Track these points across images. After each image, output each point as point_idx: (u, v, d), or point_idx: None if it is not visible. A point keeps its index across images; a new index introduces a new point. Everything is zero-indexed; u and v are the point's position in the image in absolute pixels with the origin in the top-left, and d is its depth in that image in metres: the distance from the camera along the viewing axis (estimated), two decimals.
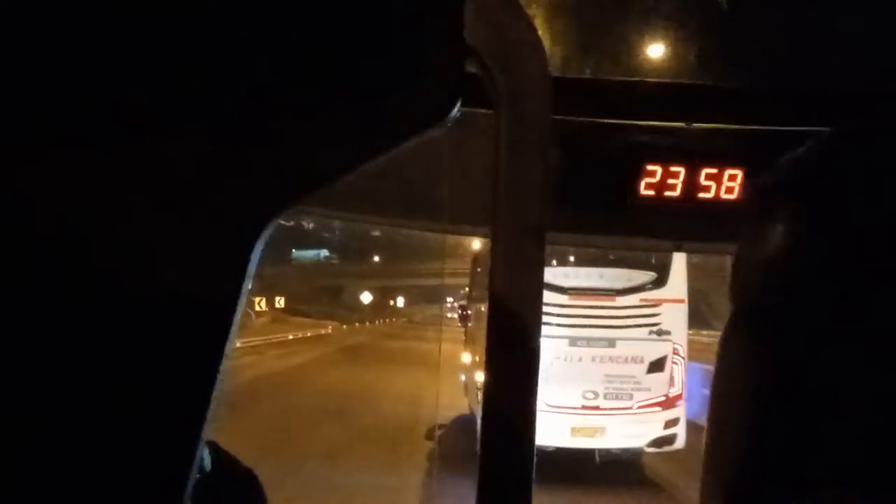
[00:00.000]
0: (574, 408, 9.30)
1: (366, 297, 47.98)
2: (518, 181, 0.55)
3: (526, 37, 0.56)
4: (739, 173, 1.60)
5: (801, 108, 1.53)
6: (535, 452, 0.57)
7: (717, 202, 1.61)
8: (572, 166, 1.48)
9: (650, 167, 1.61)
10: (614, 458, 9.49)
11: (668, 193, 1.61)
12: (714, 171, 1.61)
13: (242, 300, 0.52)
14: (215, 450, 0.64)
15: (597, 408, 9.34)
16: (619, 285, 9.44)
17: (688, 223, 1.70)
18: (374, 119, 0.55)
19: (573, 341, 9.44)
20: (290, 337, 33.53)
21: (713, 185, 1.61)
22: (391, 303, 63.68)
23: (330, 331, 38.56)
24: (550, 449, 9.12)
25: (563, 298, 9.45)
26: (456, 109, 0.56)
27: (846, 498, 0.64)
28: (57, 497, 0.50)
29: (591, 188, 1.62)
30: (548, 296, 9.50)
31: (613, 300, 9.43)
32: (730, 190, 1.61)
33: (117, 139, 0.51)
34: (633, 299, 9.42)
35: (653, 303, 9.35)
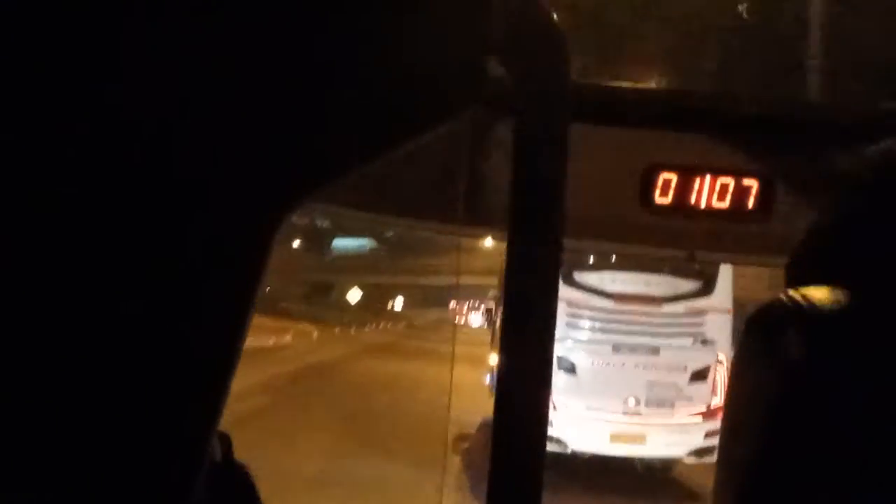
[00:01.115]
0: (615, 414, 9.25)
1: (353, 296, 37.95)
2: (536, 184, 0.55)
3: (550, 39, 0.55)
4: (755, 183, 1.61)
5: (816, 120, 1.55)
6: (545, 456, 0.56)
7: (732, 211, 1.62)
8: (589, 173, 1.48)
9: (665, 175, 1.62)
10: (648, 464, 9.43)
11: (682, 202, 1.62)
12: (729, 180, 1.61)
13: (256, 296, 0.51)
14: (226, 441, 0.64)
15: (638, 415, 9.28)
16: (664, 293, 9.36)
17: (702, 232, 1.70)
18: (390, 112, 0.54)
19: (616, 347, 9.39)
20: None
21: (729, 194, 1.61)
22: (389, 305, 54.65)
23: (289, 339, 24.59)
24: (586, 455, 9.11)
25: (608, 303, 9.41)
26: (474, 107, 0.55)
27: None
28: (66, 482, 0.49)
29: (606, 195, 1.64)
30: (593, 300, 9.56)
31: (659, 307, 9.36)
32: (745, 200, 1.61)
33: (121, 121, 0.50)
34: (678, 307, 9.34)
35: (698, 311, 9.26)
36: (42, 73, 0.48)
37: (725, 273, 9.15)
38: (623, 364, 9.34)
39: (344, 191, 0.56)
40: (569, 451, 9.21)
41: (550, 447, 9.13)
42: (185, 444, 0.50)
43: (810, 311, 0.69)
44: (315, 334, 29.19)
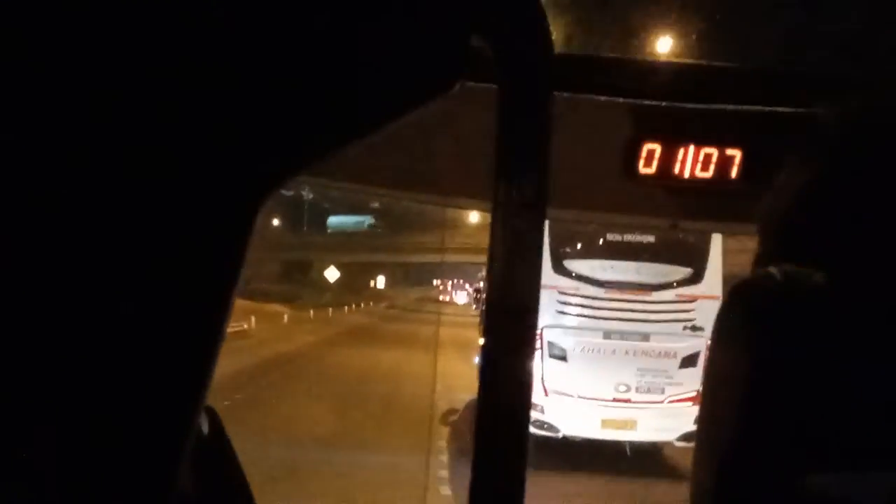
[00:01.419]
0: (606, 400, 9.34)
1: (331, 275, 33.88)
2: (518, 156, 0.55)
3: (530, 11, 0.56)
4: (738, 153, 1.63)
5: (799, 89, 1.55)
6: (528, 435, 0.56)
7: (715, 181, 1.63)
8: (572, 143, 1.48)
9: (649, 146, 1.64)
10: (637, 448, 9.52)
11: (666, 172, 1.64)
12: (713, 150, 1.63)
13: (242, 269, 0.52)
14: (212, 416, 0.63)
15: (628, 401, 9.36)
16: (655, 280, 9.44)
17: (686, 202, 1.73)
18: (376, 89, 0.54)
19: (607, 334, 9.46)
20: None
21: (712, 164, 1.64)
22: (371, 283, 50.82)
23: (249, 327, 20.14)
24: (578, 439, 9.20)
25: (599, 291, 9.49)
26: (458, 82, 0.55)
27: (833, 483, 0.65)
28: (56, 457, 0.50)
29: (590, 165, 1.66)
30: (584, 288, 9.61)
31: (649, 295, 9.44)
32: (728, 170, 1.63)
33: (111, 107, 0.50)
34: (668, 294, 9.42)
35: (688, 298, 9.34)
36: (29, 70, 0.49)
37: (715, 261, 9.23)
38: (613, 351, 9.42)
39: (329, 164, 0.57)
40: (560, 435, 9.31)
41: (542, 432, 9.22)
42: (172, 422, 0.51)
43: (785, 289, 0.70)
44: (285, 317, 26.41)
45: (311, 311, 30.41)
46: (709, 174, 1.64)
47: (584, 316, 9.53)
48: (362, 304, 40.63)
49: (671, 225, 1.93)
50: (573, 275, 9.51)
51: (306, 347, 19.05)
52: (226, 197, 0.51)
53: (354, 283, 44.53)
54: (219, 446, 0.63)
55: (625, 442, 9.39)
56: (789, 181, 0.80)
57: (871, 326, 0.67)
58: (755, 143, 1.62)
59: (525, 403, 0.56)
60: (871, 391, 0.65)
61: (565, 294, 9.48)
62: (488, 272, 0.56)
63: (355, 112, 0.54)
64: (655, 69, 1.71)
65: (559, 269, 9.47)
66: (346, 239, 38.34)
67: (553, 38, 0.57)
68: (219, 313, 0.51)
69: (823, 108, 0.85)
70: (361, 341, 21.03)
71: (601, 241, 9.61)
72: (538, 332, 8.19)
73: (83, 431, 0.50)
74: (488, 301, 0.56)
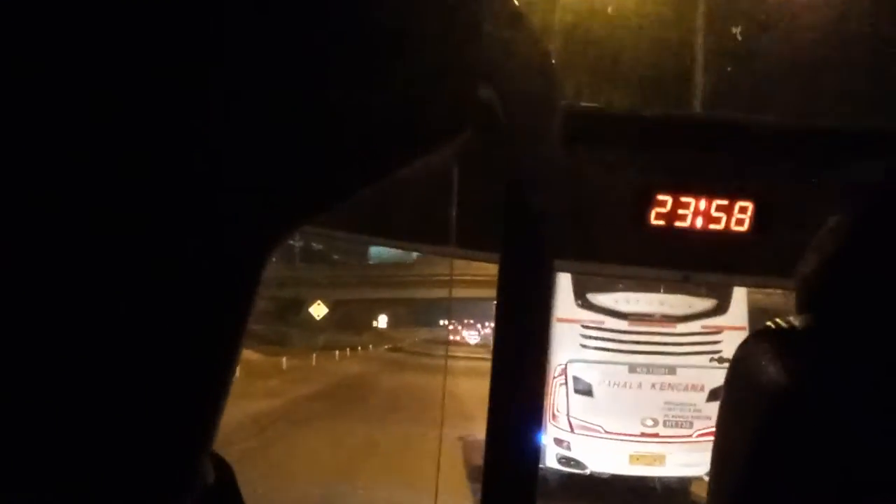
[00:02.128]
0: (633, 435, 9.21)
1: (318, 311, 29.88)
2: (526, 207, 0.56)
3: (540, 64, 0.56)
4: (750, 205, 1.61)
5: (814, 144, 1.55)
6: (537, 477, 0.56)
7: (727, 233, 1.62)
8: (583, 194, 1.50)
9: (661, 197, 1.62)
10: (665, 483, 9.38)
11: (678, 223, 1.62)
12: (725, 202, 1.62)
13: (248, 320, 0.52)
14: (219, 462, 0.62)
15: (656, 435, 9.23)
16: (680, 312, 9.34)
17: (697, 253, 1.70)
18: (381, 138, 0.54)
19: (633, 368, 9.36)
20: None
21: (724, 216, 1.62)
22: (373, 323, 46.41)
23: None
24: (606, 476, 9.06)
25: (623, 324, 9.40)
26: (465, 132, 0.55)
27: None
28: (60, 490, 0.48)
29: (601, 216, 1.64)
30: (608, 321, 9.55)
31: (674, 327, 9.34)
32: (740, 221, 1.62)
33: (120, 143, 0.50)
34: (694, 326, 9.31)
35: (714, 330, 9.23)
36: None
37: (740, 291, 9.13)
38: (640, 384, 9.31)
39: (335, 213, 0.55)
40: (587, 472, 9.18)
41: (569, 469, 9.11)
42: (178, 463, 0.51)
43: (798, 340, 0.69)
44: (242, 369, 15.03)
45: (284, 360, 22.25)
46: (720, 226, 1.62)
47: (609, 349, 9.44)
48: (359, 348, 34.35)
49: (683, 277, 1.91)
50: (596, 308, 9.44)
51: (245, 425, 10.48)
52: (231, 249, 0.50)
53: (353, 322, 40.72)
54: (227, 495, 0.62)
55: (653, 478, 9.25)
56: (829, 240, 0.78)
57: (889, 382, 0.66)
58: (767, 195, 1.61)
59: (534, 462, 0.56)
60: (883, 440, 0.64)
61: (589, 327, 9.40)
62: (496, 324, 0.56)
63: (360, 161, 0.53)
64: (666, 121, 1.70)
65: (582, 302, 9.40)
66: (345, 272, 35.73)
67: (563, 89, 0.54)
68: (225, 363, 0.51)
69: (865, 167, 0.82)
70: (344, 408, 13.62)
71: (605, 275, 9.54)
72: (562, 366, 8.13)
73: (87, 482, 0.49)
74: (495, 354, 0.56)
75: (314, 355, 25.26)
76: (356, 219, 1.66)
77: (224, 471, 0.61)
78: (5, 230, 0.48)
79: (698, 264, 1.76)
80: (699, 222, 1.62)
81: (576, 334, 9.38)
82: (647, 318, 9.38)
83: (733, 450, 0.73)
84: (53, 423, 0.48)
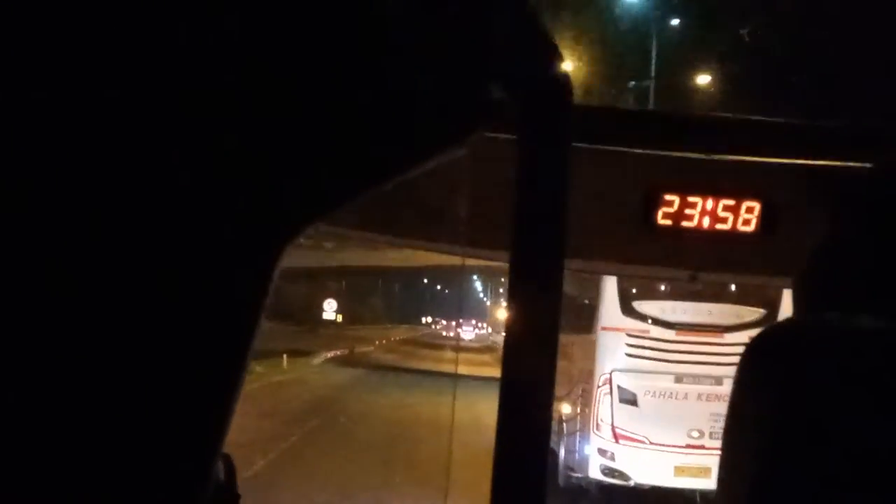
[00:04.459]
0: (678, 447, 9.01)
1: None
2: (537, 206, 0.55)
3: (551, 63, 0.56)
4: (757, 205, 1.62)
5: (818, 142, 1.55)
6: (546, 480, 0.54)
7: (734, 233, 1.63)
8: (591, 194, 1.50)
9: (668, 196, 1.63)
10: (707, 496, 9.12)
11: (685, 223, 1.63)
12: (732, 202, 1.63)
13: (259, 319, 0.52)
14: (228, 463, 0.64)
15: (702, 447, 9.00)
16: (727, 321, 9.12)
17: (704, 252, 1.71)
18: (394, 137, 0.54)
19: (679, 378, 9.18)
20: None
21: (730, 215, 1.63)
22: (321, 311, 31.02)
23: None
24: (646, 488, 8.89)
25: (669, 334, 9.23)
26: (477, 131, 0.55)
27: None
28: (73, 497, 0.50)
29: (609, 216, 1.66)
30: (654, 331, 9.36)
31: (721, 337, 9.12)
32: (747, 221, 1.62)
33: (133, 144, 0.50)
34: (741, 336, 9.05)
35: None
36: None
37: (788, 300, 8.84)
38: (686, 395, 9.12)
39: (345, 213, 0.57)
40: (631, 483, 9.02)
41: (612, 480, 8.97)
42: (190, 465, 0.51)
43: (809, 338, 0.70)
44: None
45: None
46: (727, 226, 1.63)
47: (655, 359, 9.27)
48: (283, 360, 19.13)
49: (690, 276, 1.91)
50: (642, 317, 9.29)
51: None
52: (245, 246, 0.52)
53: (290, 308, 25.87)
54: (233, 492, 0.64)
55: (695, 490, 9.02)
56: (830, 236, 0.80)
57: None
58: (774, 194, 1.62)
59: (543, 455, 0.55)
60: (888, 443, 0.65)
61: (634, 336, 9.26)
62: (507, 324, 0.55)
63: (373, 159, 0.54)
64: (674, 120, 1.71)
65: (628, 310, 9.27)
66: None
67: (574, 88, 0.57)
68: (236, 364, 0.52)
69: (867, 163, 0.84)
70: None
71: (671, 282, 9.37)
72: (607, 375, 7.99)
73: (100, 482, 0.50)
74: (505, 353, 0.55)
75: None
76: (368, 218, 1.68)
77: (229, 467, 0.62)
78: (34, 240, 0.50)
79: (705, 264, 1.77)
80: (706, 222, 1.63)
81: (621, 343, 9.25)
82: (694, 327, 9.18)
83: (744, 450, 0.73)
84: (65, 428, 0.50)
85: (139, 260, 0.50)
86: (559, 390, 10.51)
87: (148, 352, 0.50)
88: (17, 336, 0.49)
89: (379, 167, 0.54)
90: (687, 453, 9.00)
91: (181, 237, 0.51)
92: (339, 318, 32.57)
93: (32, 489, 0.49)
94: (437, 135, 0.55)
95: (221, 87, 0.51)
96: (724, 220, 1.62)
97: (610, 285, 9.36)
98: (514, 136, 0.55)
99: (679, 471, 8.98)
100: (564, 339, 10.32)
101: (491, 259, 1.75)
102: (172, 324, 0.51)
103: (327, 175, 0.53)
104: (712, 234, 1.62)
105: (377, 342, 29.94)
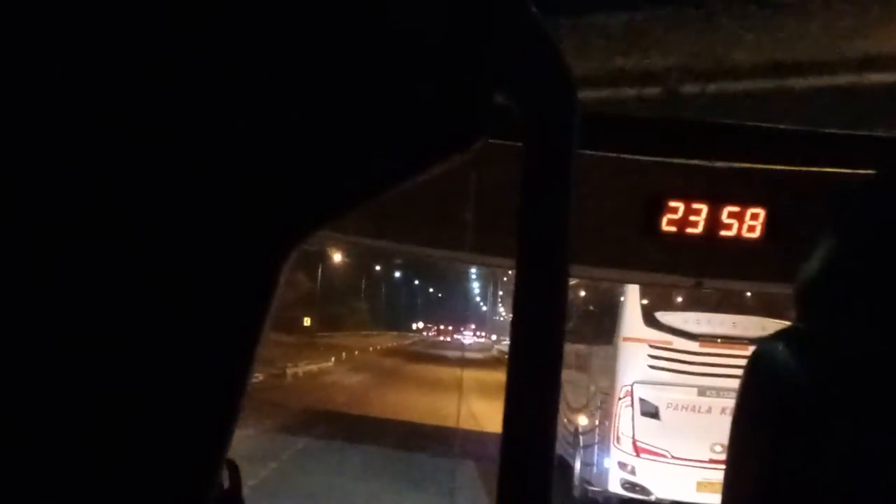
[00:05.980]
0: (701, 461, 8.82)
1: None
2: (542, 213, 0.55)
3: (556, 69, 0.55)
4: (762, 212, 1.61)
5: (823, 150, 1.53)
6: (551, 491, 0.53)
7: (738, 240, 1.61)
8: (596, 200, 1.52)
9: (672, 203, 1.62)
10: None
11: (689, 230, 1.62)
12: (736, 209, 1.61)
13: (263, 327, 0.52)
14: (233, 468, 0.63)
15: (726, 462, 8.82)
16: (752, 334, 8.92)
17: (708, 260, 1.70)
18: (399, 144, 0.54)
19: (702, 391, 9.01)
20: None
21: (735, 222, 1.61)
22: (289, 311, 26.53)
23: None
24: (667, 502, 8.70)
25: (693, 345, 9.07)
26: (481, 138, 0.55)
27: None
28: None
29: (613, 222, 1.66)
30: (677, 342, 9.20)
31: (746, 349, 8.89)
32: (752, 228, 1.61)
33: (139, 148, 0.51)
34: None
35: None
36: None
37: None
38: (709, 408, 8.94)
39: (351, 218, 0.56)
40: (653, 499, 8.85)
41: (633, 495, 8.81)
42: (195, 471, 0.52)
43: (810, 345, 0.70)
44: None
45: None
46: (732, 232, 1.62)
47: (678, 371, 9.11)
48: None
49: (695, 283, 1.90)
50: (665, 328, 9.15)
51: None
52: (250, 253, 0.52)
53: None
54: (238, 499, 0.64)
55: None
56: (831, 243, 0.79)
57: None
58: (779, 201, 1.60)
59: (549, 461, 0.54)
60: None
61: (657, 348, 9.11)
62: (512, 330, 0.55)
63: (377, 166, 0.55)
64: (679, 127, 1.70)
65: (650, 321, 9.14)
66: None
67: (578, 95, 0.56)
68: (242, 368, 0.52)
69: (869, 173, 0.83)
70: None
71: (695, 293, 9.20)
72: (628, 387, 7.89)
73: (104, 488, 0.51)
74: (511, 360, 0.54)
75: None
76: (372, 224, 1.70)
77: (232, 473, 0.64)
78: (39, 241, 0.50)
79: (710, 271, 1.76)
80: (711, 229, 1.62)
81: (643, 354, 9.11)
82: (717, 339, 8.99)
83: (749, 457, 0.74)
84: (69, 435, 0.50)
85: (145, 265, 0.50)
86: (576, 401, 10.39)
87: (153, 358, 0.51)
88: (19, 344, 0.49)
89: (385, 173, 0.54)
90: (709, 468, 8.81)
91: (186, 243, 0.51)
92: (308, 322, 27.96)
93: (36, 495, 0.50)
94: (442, 141, 0.55)
95: (225, 89, 0.52)
96: (728, 227, 1.61)
97: (632, 296, 9.23)
98: (520, 143, 0.54)
99: (701, 486, 8.79)
100: (582, 349, 10.29)
101: (496, 265, 1.78)
102: (177, 329, 0.51)
103: (332, 181, 0.54)
104: (717, 241, 1.61)
105: (347, 353, 23.62)
